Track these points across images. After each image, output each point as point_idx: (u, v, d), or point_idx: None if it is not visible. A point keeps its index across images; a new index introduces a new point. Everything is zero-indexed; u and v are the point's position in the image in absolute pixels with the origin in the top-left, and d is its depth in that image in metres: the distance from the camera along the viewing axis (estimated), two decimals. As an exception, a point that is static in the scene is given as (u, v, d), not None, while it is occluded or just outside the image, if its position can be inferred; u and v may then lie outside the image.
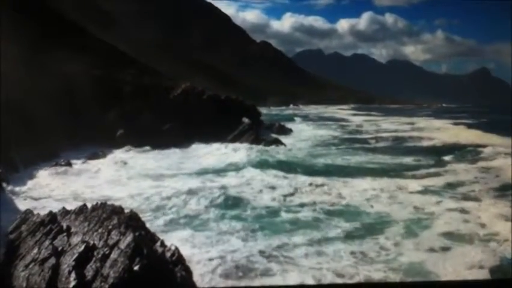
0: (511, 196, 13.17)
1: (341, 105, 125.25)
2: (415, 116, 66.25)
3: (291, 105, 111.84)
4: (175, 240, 9.13)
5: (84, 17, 45.61)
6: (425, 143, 29.28)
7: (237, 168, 18.54)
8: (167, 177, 16.60)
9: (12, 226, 8.20)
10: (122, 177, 16.36)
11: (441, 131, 38.12)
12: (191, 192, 13.62)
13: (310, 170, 18.14)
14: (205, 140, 25.46)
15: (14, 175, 14.42)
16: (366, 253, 9.01)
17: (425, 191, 14.34)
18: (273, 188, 14.46)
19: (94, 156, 20.20)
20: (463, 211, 11.85)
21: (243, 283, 7.79)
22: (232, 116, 28.94)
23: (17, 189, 13.04)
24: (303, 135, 34.27)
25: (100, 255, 6.64)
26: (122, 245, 6.81)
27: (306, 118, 59.32)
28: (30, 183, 14.20)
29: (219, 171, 17.78)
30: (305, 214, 11.66)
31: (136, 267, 6.43)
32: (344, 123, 50.25)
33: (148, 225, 8.56)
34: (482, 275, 7.84)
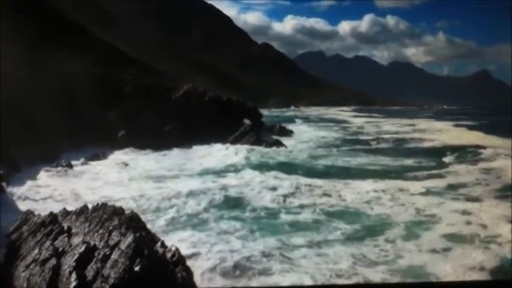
0: (511, 197, 13.14)
1: (342, 106, 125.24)
2: (416, 118, 66.21)
3: (292, 107, 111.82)
4: (176, 240, 9.18)
5: (84, 16, 45.67)
6: (426, 145, 29.26)
7: (237, 169, 18.55)
8: (168, 178, 16.62)
9: (13, 227, 8.22)
10: (123, 178, 16.38)
11: (443, 132, 38.09)
12: (192, 193, 13.65)
13: (311, 172, 18.14)
14: (206, 141, 25.48)
15: (14, 176, 14.43)
16: (366, 255, 8.99)
17: (427, 193, 14.32)
18: (273, 189, 14.46)
19: (95, 157, 20.22)
20: (464, 212, 11.83)
21: (241, 282, 7.80)
22: (233, 118, 28.97)
23: (17, 190, 13.05)
24: (304, 136, 34.26)
25: (100, 256, 6.65)
26: (123, 246, 6.82)
27: (307, 120, 59.32)
28: (31, 184, 14.21)
29: (220, 173, 17.79)
30: (305, 216, 11.66)
31: (136, 268, 6.44)
32: (345, 125, 50.23)
33: (148, 226, 8.58)
34: (483, 276, 7.83)
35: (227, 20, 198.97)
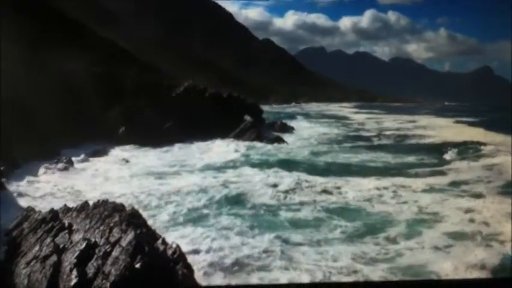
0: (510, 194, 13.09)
1: (343, 103, 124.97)
2: (417, 114, 66.00)
3: (293, 103, 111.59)
4: (177, 236, 9.20)
5: (85, 14, 45.54)
6: (427, 141, 29.19)
7: (238, 165, 18.54)
8: (169, 174, 16.62)
9: (14, 223, 8.22)
10: (123, 174, 16.37)
11: (444, 129, 38.01)
12: (192, 189, 13.66)
13: (311, 169, 18.10)
14: (206, 138, 25.46)
15: (15, 172, 14.43)
16: (366, 253, 8.96)
17: (428, 190, 14.23)
18: (274, 185, 14.44)
19: (95, 153, 20.20)
20: (466, 210, 11.77)
21: (240, 278, 7.81)
22: (234, 114, 28.93)
23: (18, 186, 13.05)
24: (304, 133, 34.22)
25: (101, 253, 6.65)
26: (124, 243, 6.82)
27: (308, 116, 59.20)
28: (31, 181, 14.19)
29: (220, 169, 17.78)
30: (305, 213, 11.63)
31: (137, 265, 6.44)
32: (346, 122, 50.12)
33: (149, 222, 8.59)
34: (484, 274, 7.81)
35: (228, 16, 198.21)
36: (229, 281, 7.68)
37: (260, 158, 20.78)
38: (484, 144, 24.10)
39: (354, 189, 14.09)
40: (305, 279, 7.68)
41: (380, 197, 13.26)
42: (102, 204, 8.11)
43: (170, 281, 6.63)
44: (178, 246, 7.26)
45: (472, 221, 10.74)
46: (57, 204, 9.32)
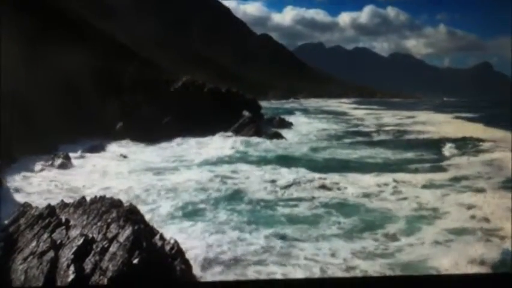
0: (511, 189, 13.07)
1: (342, 98, 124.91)
2: (416, 110, 66.03)
3: (292, 99, 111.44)
4: (175, 230, 9.19)
5: (84, 9, 45.22)
6: (426, 137, 29.17)
7: (236, 161, 18.50)
8: (167, 169, 16.56)
9: (10, 219, 8.14)
10: (121, 170, 16.31)
11: (443, 124, 38.01)
12: (190, 184, 13.62)
13: (310, 164, 18.05)
14: (205, 133, 25.40)
15: (12, 168, 14.35)
16: (364, 249, 8.92)
17: (428, 186, 14.20)
18: (272, 181, 14.40)
19: (93, 149, 20.11)
20: (466, 205, 11.74)
21: (237, 271, 7.80)
22: (232, 109, 28.83)
23: (15, 182, 12.99)
24: (303, 128, 34.16)
25: (98, 249, 6.60)
26: (121, 239, 6.77)
27: (306, 112, 59.12)
28: (28, 176, 14.12)
29: (219, 164, 17.72)
30: (303, 208, 11.60)
31: (135, 261, 6.40)
32: (345, 117, 50.07)
33: (147, 216, 8.55)
34: (484, 269, 7.80)
35: (226, 11, 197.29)
36: (226, 274, 7.66)
37: (258, 153, 20.74)
38: (484, 139, 24.10)
39: (353, 185, 14.04)
40: (302, 274, 7.66)
41: (379, 193, 13.22)
42: (99, 199, 8.05)
43: (168, 276, 6.59)
44: (176, 241, 7.22)
45: (472, 216, 10.71)
46: (54, 200, 9.26)
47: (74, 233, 7.19)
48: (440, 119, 44.72)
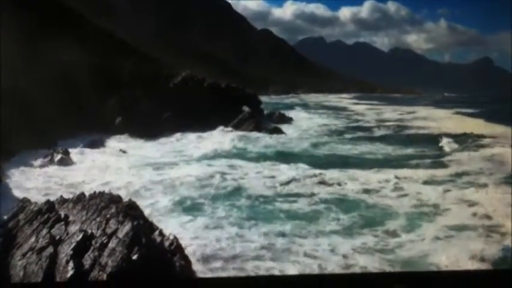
0: (511, 185, 13.04)
1: (343, 93, 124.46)
2: (417, 105, 65.82)
3: (292, 94, 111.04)
4: (174, 225, 9.19)
5: (83, 4, 44.88)
6: (427, 132, 29.11)
7: (236, 156, 18.46)
8: (166, 165, 16.53)
9: (9, 215, 8.12)
10: (120, 165, 16.27)
11: (444, 120, 37.93)
12: (189, 180, 13.60)
13: (310, 160, 18.00)
14: (204, 128, 25.34)
15: (11, 163, 14.32)
16: (364, 245, 8.89)
17: (430, 181, 14.14)
18: (271, 177, 14.37)
19: (93, 144, 20.07)
20: (468, 201, 11.72)
21: (235, 265, 7.79)
22: (232, 105, 28.74)
23: (14, 177, 12.96)
24: (303, 124, 34.06)
25: (98, 244, 6.59)
26: (121, 234, 6.76)
27: (306, 107, 58.93)
28: (27, 172, 14.11)
29: (218, 159, 17.67)
30: (302, 204, 11.56)
31: (134, 257, 6.39)
32: (345, 113, 49.89)
33: (147, 212, 8.53)
34: (485, 265, 7.79)
35: (227, 5, 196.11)
36: (225, 270, 7.66)
37: (258, 149, 20.71)
38: (484, 135, 24.03)
39: (353, 181, 14.00)
40: (301, 270, 7.65)
41: (380, 189, 13.18)
42: (99, 195, 8.03)
43: (168, 272, 6.58)
44: (175, 237, 7.21)
45: (473, 212, 10.69)
46: (53, 196, 9.23)
47: (73, 228, 7.18)
48: (441, 115, 44.59)
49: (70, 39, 24.47)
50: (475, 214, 10.62)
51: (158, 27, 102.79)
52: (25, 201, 8.51)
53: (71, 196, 8.58)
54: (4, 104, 15.53)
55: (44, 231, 7.16)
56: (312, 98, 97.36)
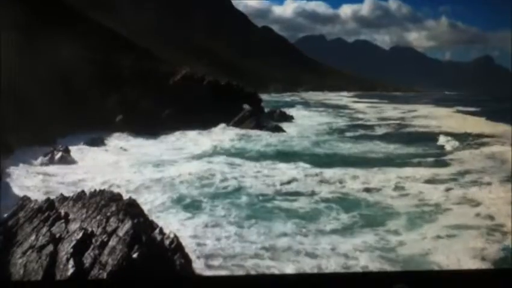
0: (511, 184, 13.00)
1: (343, 91, 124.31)
2: (418, 103, 65.71)
3: (292, 92, 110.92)
4: (174, 223, 9.17)
5: (83, 1, 44.74)
6: (428, 131, 29.06)
7: (236, 154, 18.43)
8: (167, 162, 16.51)
9: (9, 213, 8.10)
10: (121, 162, 16.26)
11: (445, 118, 37.85)
12: (189, 177, 13.59)
13: (310, 158, 17.97)
14: (204, 126, 25.31)
15: (10, 161, 14.28)
16: (365, 243, 8.87)
17: (430, 180, 14.07)
18: (272, 176, 14.33)
19: (93, 142, 20.03)
20: (470, 199, 11.69)
21: (234, 263, 7.78)
22: (232, 102, 28.68)
23: (14, 175, 12.94)
24: (304, 122, 34.01)
25: (98, 243, 6.57)
26: (121, 232, 6.74)
27: (307, 105, 58.86)
28: (27, 169, 14.09)
29: (218, 157, 17.64)
30: (303, 203, 11.53)
31: (134, 255, 6.37)
32: (346, 111, 49.83)
33: (147, 209, 8.51)
34: (486, 264, 7.76)
35: (228, 3, 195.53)
36: (224, 269, 7.65)
37: (258, 147, 20.66)
38: (485, 134, 23.98)
39: (354, 180, 13.95)
40: (301, 269, 7.63)
41: (382, 188, 13.12)
42: (99, 193, 8.01)
43: (168, 271, 6.56)
44: (175, 236, 7.19)
45: (475, 211, 10.64)
46: (53, 193, 9.21)
47: (73, 226, 7.16)
48: (442, 113, 44.52)
49: (71, 35, 24.40)
50: (477, 213, 10.58)
51: (159, 24, 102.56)
52: (25, 199, 8.48)
53: (71, 194, 8.55)
54: (4, 101, 15.49)
55: (44, 229, 7.13)
56: (313, 96, 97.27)
